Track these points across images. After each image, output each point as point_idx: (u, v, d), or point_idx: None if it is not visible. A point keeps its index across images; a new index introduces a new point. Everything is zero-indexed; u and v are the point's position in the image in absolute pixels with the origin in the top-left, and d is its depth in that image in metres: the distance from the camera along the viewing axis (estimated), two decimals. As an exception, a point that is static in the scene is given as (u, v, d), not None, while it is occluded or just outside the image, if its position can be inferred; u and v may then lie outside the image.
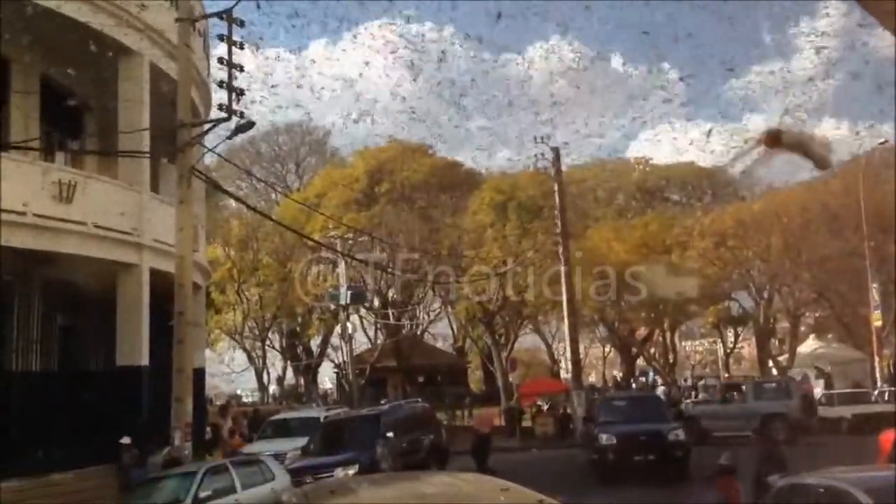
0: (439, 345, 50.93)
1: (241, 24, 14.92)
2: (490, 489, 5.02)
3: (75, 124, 19.81)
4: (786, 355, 42.08)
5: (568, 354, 31.74)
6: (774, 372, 40.19)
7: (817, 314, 44.18)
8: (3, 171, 14.50)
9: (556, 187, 28.72)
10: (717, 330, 49.52)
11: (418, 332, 47.63)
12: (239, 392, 51.23)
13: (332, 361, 47.15)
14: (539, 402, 31.48)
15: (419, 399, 24.59)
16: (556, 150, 28.69)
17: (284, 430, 20.98)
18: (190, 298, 14.72)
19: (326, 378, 54.55)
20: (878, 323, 31.93)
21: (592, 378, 61.75)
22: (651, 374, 48.87)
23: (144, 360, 17.58)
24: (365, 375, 40.23)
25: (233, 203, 39.01)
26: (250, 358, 47.29)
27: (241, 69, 15.05)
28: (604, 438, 17.18)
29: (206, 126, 16.03)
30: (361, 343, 43.10)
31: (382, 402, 26.89)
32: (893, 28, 5.02)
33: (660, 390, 35.02)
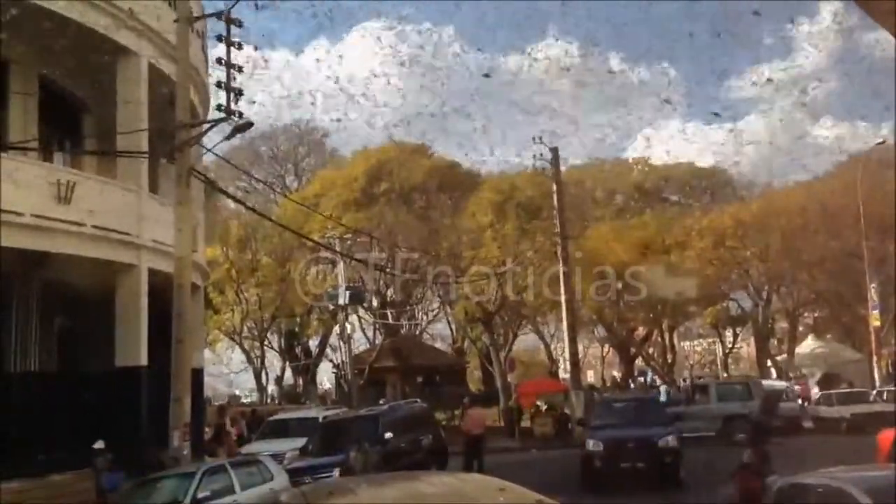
0: (438, 345, 50.90)
1: (240, 24, 14.93)
2: (489, 489, 5.02)
3: (74, 125, 19.81)
4: (784, 355, 42.15)
5: (567, 354, 31.74)
6: (774, 372, 40.27)
7: (816, 314, 44.29)
8: (1, 171, 14.49)
9: (554, 188, 28.72)
10: (716, 330, 49.59)
11: (417, 333, 47.63)
12: (237, 392, 51.22)
13: (331, 362, 47.17)
14: (538, 403, 31.49)
15: (418, 399, 24.58)
16: (554, 151, 28.71)
17: (283, 430, 20.97)
18: (189, 299, 14.73)
19: (325, 378, 54.56)
20: (877, 323, 31.98)
21: (591, 378, 61.79)
22: (650, 374, 48.90)
23: (143, 361, 17.57)
24: (363, 376, 40.20)
25: (231, 203, 38.96)
26: (249, 358, 47.28)
27: (240, 69, 15.04)
28: (590, 444, 16.42)
29: (205, 126, 16.02)
30: (360, 343, 43.13)
31: (381, 402, 26.89)
32: (892, 28, 5.03)
33: (662, 390, 35.04)
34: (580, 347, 33.64)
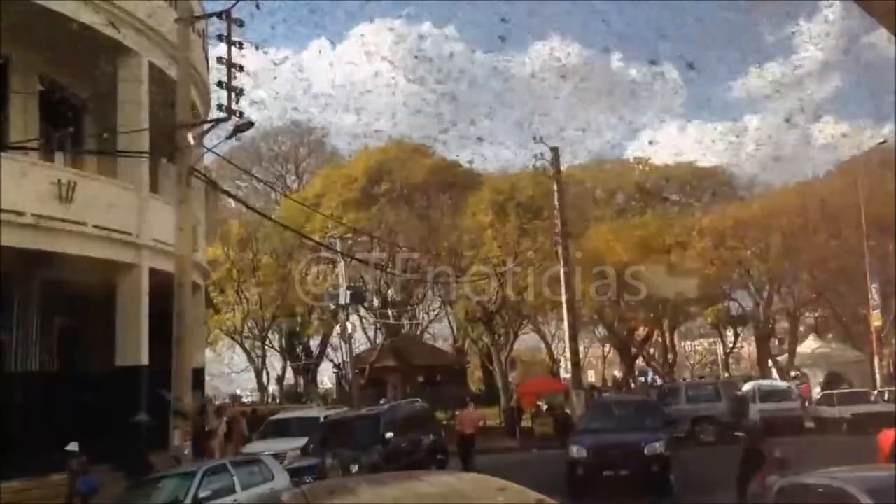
0: (439, 345, 50.89)
1: (241, 24, 14.93)
2: (489, 489, 5.02)
3: (75, 124, 19.81)
4: (785, 355, 42.13)
5: (567, 354, 31.72)
6: (774, 372, 40.26)
7: (817, 314, 44.25)
8: (2, 171, 14.50)
9: (555, 187, 28.69)
10: (717, 330, 49.56)
11: (418, 332, 47.64)
12: (238, 392, 51.24)
13: (332, 361, 47.17)
14: (539, 402, 31.48)
15: (418, 399, 24.59)
16: (555, 150, 28.66)
17: (284, 430, 20.97)
18: (189, 298, 14.74)
19: (326, 378, 54.59)
20: (878, 323, 31.95)
21: (592, 378, 61.78)
22: (650, 374, 48.90)
23: (144, 360, 17.59)
24: (364, 375, 40.22)
25: (232, 203, 38.99)
26: (250, 358, 47.29)
27: (241, 69, 15.05)
28: (574, 450, 15.47)
29: (206, 126, 16.04)
30: (361, 343, 43.12)
31: (382, 402, 26.88)
32: (892, 27, 5.03)
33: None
34: (581, 347, 33.61)
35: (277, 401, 44.67)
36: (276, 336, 48.16)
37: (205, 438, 18.07)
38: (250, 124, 15.34)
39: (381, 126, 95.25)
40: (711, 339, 57.45)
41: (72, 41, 15.54)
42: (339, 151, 51.68)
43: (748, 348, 57.84)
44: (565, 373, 42.51)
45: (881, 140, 32.55)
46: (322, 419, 20.12)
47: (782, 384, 31.17)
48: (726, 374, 47.10)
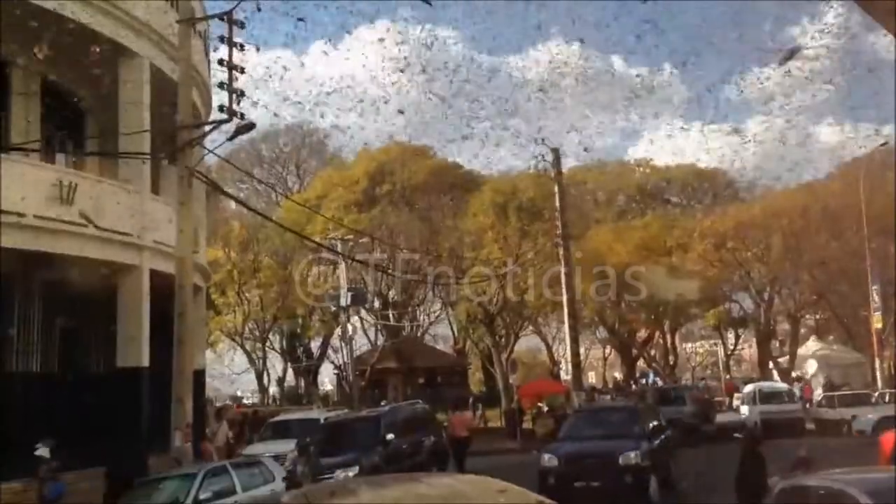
0: (440, 346, 50.90)
1: (242, 25, 14.96)
2: (489, 491, 5.02)
3: (76, 126, 19.83)
4: (786, 357, 42.11)
5: (568, 356, 31.73)
6: (776, 374, 40.23)
7: (818, 316, 44.23)
8: (3, 172, 14.51)
9: (556, 189, 28.69)
10: (718, 332, 49.53)
11: (419, 334, 47.64)
12: (239, 393, 51.26)
13: (333, 363, 47.16)
14: (539, 404, 31.47)
15: (419, 400, 24.61)
16: (555, 152, 28.68)
17: (284, 431, 20.98)
18: (190, 300, 14.74)
19: (327, 379, 54.59)
20: (879, 325, 31.93)
21: (593, 380, 61.73)
22: (651, 375, 48.89)
23: (145, 362, 17.58)
24: (365, 377, 40.23)
25: (233, 204, 39.04)
26: (251, 359, 47.29)
27: (242, 71, 15.06)
28: (545, 459, 14.65)
29: (207, 127, 16.05)
30: (362, 344, 43.12)
31: (382, 403, 26.88)
32: (893, 28, 5.03)
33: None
34: (582, 349, 33.62)
35: (278, 402, 44.67)
36: (277, 337, 48.17)
37: (203, 440, 18.08)
38: (251, 126, 15.35)
39: (382, 127, 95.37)
40: (712, 341, 57.37)
41: (74, 42, 15.53)
42: (340, 153, 51.79)
43: (749, 350, 57.76)
44: (566, 374, 42.48)
45: (882, 142, 32.54)
46: (323, 421, 20.11)
47: (783, 386, 31.17)
48: (727, 376, 47.02)
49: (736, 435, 19.71)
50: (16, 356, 17.28)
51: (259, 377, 47.80)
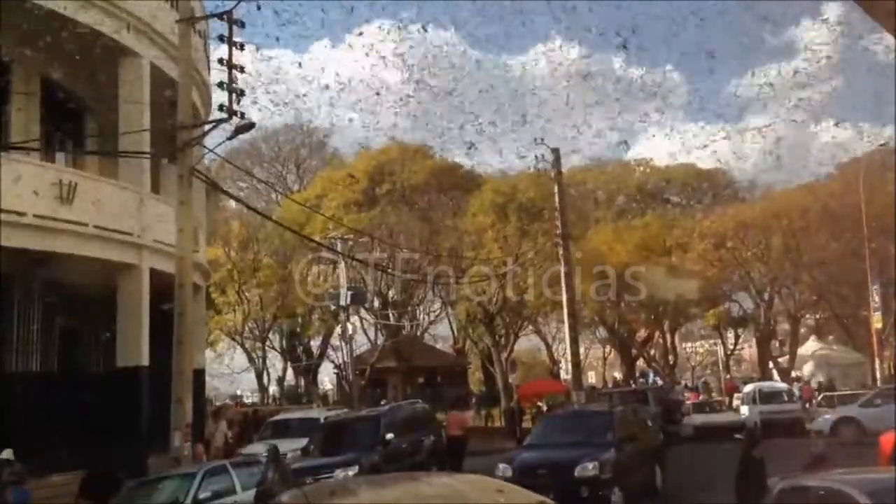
0: (439, 346, 50.93)
1: (242, 25, 14.92)
2: (490, 490, 5.02)
3: (76, 125, 19.84)
4: (786, 357, 42.13)
5: (568, 355, 31.71)
6: (775, 374, 40.24)
7: (818, 316, 44.24)
8: (3, 171, 14.52)
9: (556, 189, 28.67)
10: (718, 331, 49.56)
11: (418, 333, 47.65)
12: (239, 392, 51.29)
13: (332, 362, 47.16)
14: (539, 403, 31.47)
15: (419, 400, 24.61)
16: (556, 152, 28.64)
17: (284, 430, 20.97)
18: (190, 299, 14.72)
19: (326, 379, 54.62)
20: (879, 325, 31.93)
21: (592, 379, 61.75)
22: (651, 375, 48.92)
23: (144, 361, 17.59)
24: (365, 376, 40.23)
25: (233, 204, 39.04)
26: (250, 359, 47.29)
27: (242, 70, 15.05)
28: (500, 469, 13.32)
29: (207, 127, 16.03)
30: (361, 344, 43.11)
31: (382, 402, 26.87)
32: (892, 29, 5.03)
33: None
34: (581, 349, 33.61)
35: (278, 402, 44.69)
36: (277, 337, 48.19)
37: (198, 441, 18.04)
38: (251, 125, 15.33)
39: (383, 127, 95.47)
40: (712, 341, 57.44)
41: (74, 42, 15.55)
42: (340, 152, 51.81)
43: (749, 350, 57.79)
44: (566, 374, 42.52)
45: (882, 142, 32.55)
46: (323, 420, 20.11)
47: (783, 386, 31.17)
48: (728, 376, 47.06)
49: (737, 436, 19.66)
50: (16, 356, 17.29)
51: (259, 376, 47.81)
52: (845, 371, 34.74)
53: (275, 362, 49.60)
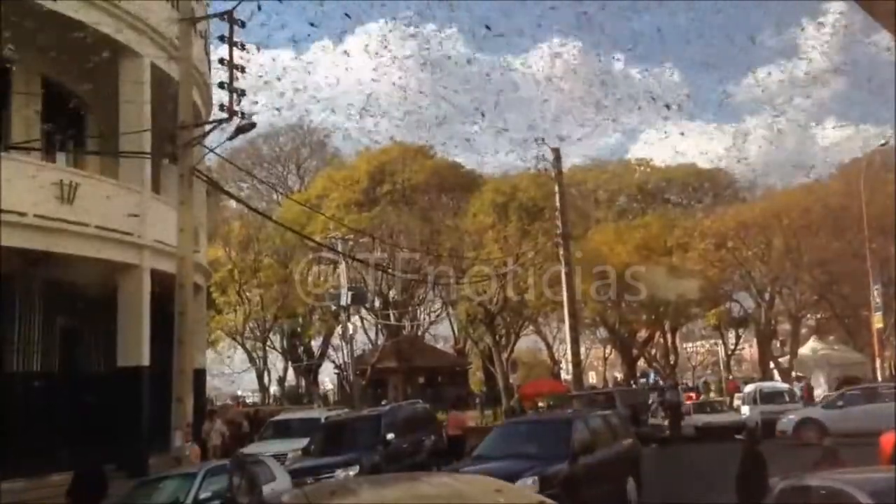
0: (440, 346, 50.97)
1: (243, 24, 14.91)
2: (491, 490, 5.02)
3: (76, 125, 19.83)
4: (787, 357, 42.11)
5: (569, 356, 31.72)
6: (776, 374, 40.24)
7: (818, 316, 44.19)
8: (4, 171, 14.52)
9: (556, 189, 28.69)
10: (719, 331, 49.56)
11: (419, 333, 47.68)
12: (240, 393, 51.33)
13: (333, 362, 47.22)
14: (540, 403, 31.47)
15: (420, 400, 24.61)
16: (556, 152, 28.66)
17: (285, 430, 20.98)
18: (191, 299, 14.72)
19: (327, 379, 54.64)
20: (880, 325, 31.89)
21: (593, 379, 61.77)
22: (652, 375, 48.90)
23: (145, 361, 17.60)
24: (366, 376, 40.26)
25: (234, 204, 39.05)
26: (251, 358, 47.33)
27: (243, 70, 15.04)
28: None
29: (207, 127, 16.03)
30: (362, 344, 43.15)
31: (383, 402, 26.88)
32: (893, 29, 5.03)
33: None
34: (582, 349, 33.64)
35: (279, 402, 44.72)
36: (278, 337, 48.23)
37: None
38: (252, 125, 15.32)
39: (383, 127, 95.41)
40: (713, 341, 57.46)
41: (73, 42, 15.55)
42: (341, 153, 51.83)
43: (750, 350, 57.79)
44: (566, 374, 42.54)
45: (883, 142, 32.51)
46: (323, 420, 20.12)
47: (784, 386, 31.14)
48: (730, 376, 47.07)
49: (737, 437, 19.68)
50: (16, 356, 17.29)
51: (260, 376, 47.86)
52: (846, 371, 34.63)
53: (275, 362, 49.72)
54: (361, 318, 41.31)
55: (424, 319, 47.55)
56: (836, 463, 9.37)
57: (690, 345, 64.03)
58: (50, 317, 18.13)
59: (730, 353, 51.30)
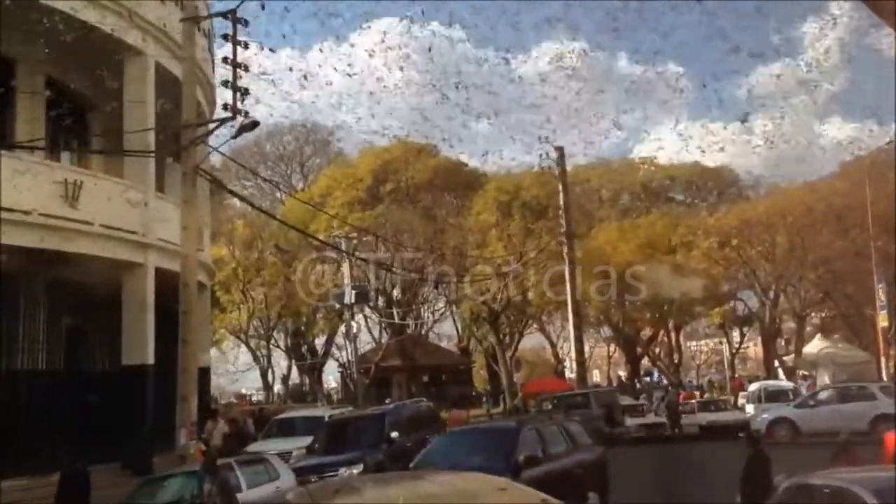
0: (444, 344, 50.99)
1: (246, 23, 14.91)
2: (494, 488, 5.01)
3: (81, 124, 19.87)
4: (792, 355, 42.03)
5: (573, 354, 31.70)
6: (781, 372, 40.18)
7: (823, 314, 44.12)
8: (9, 170, 14.55)
9: (560, 187, 28.66)
10: (723, 330, 49.51)
11: (423, 332, 47.71)
12: (244, 391, 51.43)
13: (337, 361, 47.30)
14: (545, 402, 31.41)
15: (423, 398, 24.62)
16: (560, 150, 28.64)
17: (289, 429, 21.00)
18: (195, 298, 14.73)
19: (331, 377, 54.71)
20: (885, 324, 31.83)
21: (597, 378, 61.75)
22: (656, 374, 48.86)
23: (149, 359, 17.63)
24: (369, 375, 40.27)
25: (238, 202, 39.12)
26: (255, 357, 47.40)
27: (246, 69, 15.04)
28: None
29: (211, 126, 16.04)
30: (366, 342, 43.19)
31: (387, 401, 26.86)
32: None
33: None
34: (586, 347, 33.64)
35: (283, 400, 44.78)
36: (282, 335, 48.28)
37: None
38: (255, 124, 15.31)
39: (387, 125, 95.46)
40: (717, 340, 57.44)
41: (77, 41, 15.57)
42: (344, 151, 51.86)
43: (754, 348, 57.73)
44: (570, 373, 42.53)
45: (889, 140, 32.39)
46: (327, 418, 20.13)
47: (788, 384, 31.10)
48: (735, 375, 47.03)
49: (740, 434, 19.64)
50: (21, 354, 17.34)
51: (264, 375, 47.93)
52: (851, 370, 34.56)
53: (279, 361, 49.79)
54: (365, 317, 41.36)
55: (428, 318, 47.61)
56: (853, 459, 9.35)
57: (694, 343, 64.00)
58: (54, 315, 18.17)
59: (734, 351, 51.25)
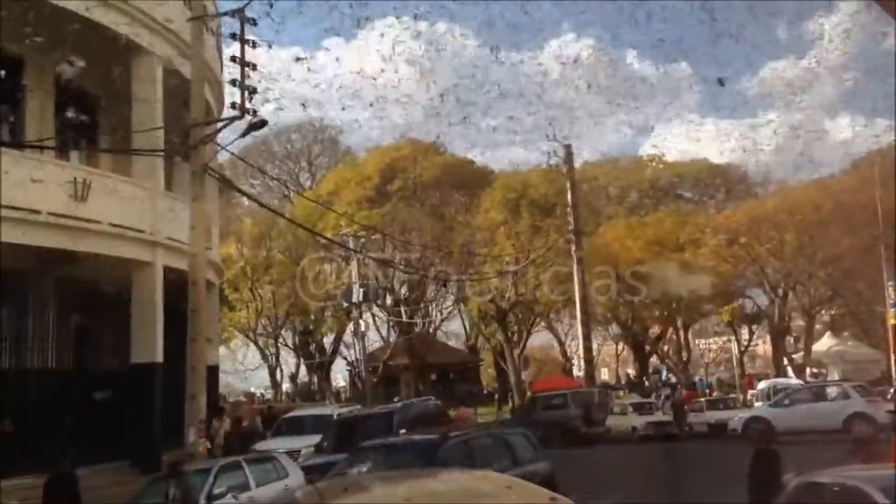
0: (452, 343, 50.97)
1: (254, 22, 14.93)
2: (502, 486, 5.02)
3: (89, 123, 19.94)
4: (801, 353, 41.90)
5: (581, 352, 31.68)
6: (790, 370, 40.05)
7: (832, 312, 43.95)
8: (18, 169, 14.61)
9: (568, 185, 28.64)
10: (732, 328, 49.33)
11: (431, 330, 47.71)
12: (253, 389, 51.52)
13: (345, 359, 47.34)
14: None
15: (431, 397, 24.63)
16: (568, 148, 28.64)
17: (298, 427, 21.04)
18: (203, 296, 14.76)
19: (339, 376, 54.78)
20: (894, 321, 31.69)
21: (605, 376, 61.67)
22: (665, 371, 48.74)
23: (158, 358, 17.68)
24: (378, 373, 40.32)
25: (246, 201, 39.22)
26: (263, 355, 47.48)
27: (254, 68, 15.07)
28: None
29: (219, 124, 16.06)
30: (374, 341, 43.21)
31: (395, 399, 26.91)
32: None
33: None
34: (594, 345, 33.59)
35: (291, 398, 44.86)
36: (290, 334, 48.35)
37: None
38: (263, 123, 15.33)
39: (394, 124, 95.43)
40: (726, 337, 57.21)
41: (86, 40, 15.63)
42: (352, 150, 51.92)
43: (763, 346, 57.50)
44: (578, 371, 42.46)
45: (896, 137, 32.24)
46: (335, 417, 20.16)
47: (798, 382, 31.02)
48: (746, 373, 46.86)
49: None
50: (31, 353, 17.42)
51: (272, 373, 48.02)
52: (861, 367, 34.43)
53: (287, 359, 49.85)
54: (373, 315, 41.38)
55: (436, 316, 47.61)
56: (871, 456, 9.32)
57: (703, 341, 63.79)
58: (64, 314, 18.25)
59: (743, 349, 51.07)
